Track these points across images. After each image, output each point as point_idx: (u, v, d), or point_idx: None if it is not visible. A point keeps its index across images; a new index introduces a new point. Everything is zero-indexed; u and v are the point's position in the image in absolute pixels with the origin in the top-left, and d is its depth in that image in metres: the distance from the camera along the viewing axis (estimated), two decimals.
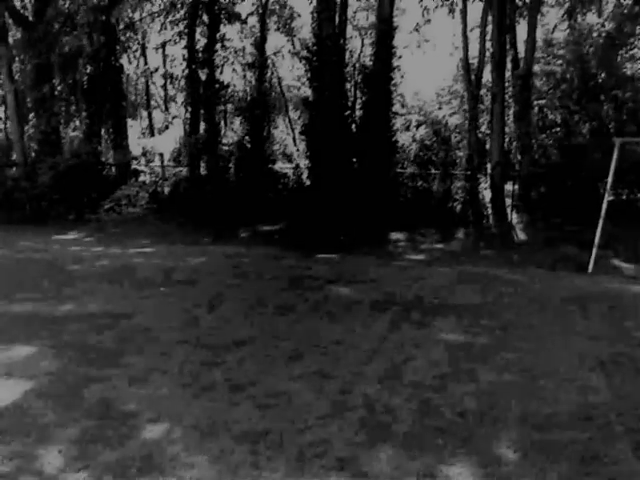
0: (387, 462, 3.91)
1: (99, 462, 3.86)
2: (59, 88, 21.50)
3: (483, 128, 22.62)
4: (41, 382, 5.15)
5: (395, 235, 15.13)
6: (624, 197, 16.52)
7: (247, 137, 18.98)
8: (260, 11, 22.93)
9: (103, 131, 21.77)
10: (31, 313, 7.26)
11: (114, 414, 4.54)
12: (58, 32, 20.16)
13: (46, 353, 5.85)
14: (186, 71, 20.41)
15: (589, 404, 4.83)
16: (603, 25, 21.29)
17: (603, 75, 20.24)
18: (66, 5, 20.61)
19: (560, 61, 22.30)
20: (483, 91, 21.46)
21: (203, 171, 19.79)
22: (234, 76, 22.79)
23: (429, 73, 50.17)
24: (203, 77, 19.84)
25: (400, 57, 17.08)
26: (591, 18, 23.33)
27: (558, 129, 22.09)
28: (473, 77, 19.09)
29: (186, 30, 20.68)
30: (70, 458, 3.91)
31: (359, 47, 26.09)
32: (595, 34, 21.28)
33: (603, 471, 3.84)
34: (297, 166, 18.69)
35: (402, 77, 17.58)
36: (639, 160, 15.35)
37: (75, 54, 20.29)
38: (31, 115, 21.13)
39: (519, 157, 18.95)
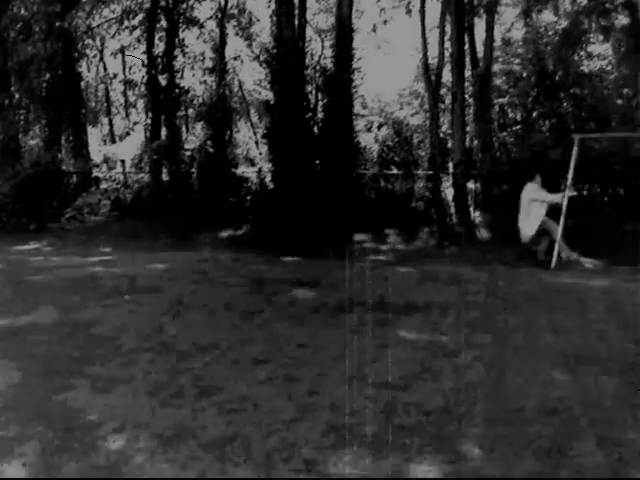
0: (355, 463, 3.90)
1: (64, 474, 3.80)
2: (17, 96, 21.22)
3: (444, 127, 22.77)
4: (3, 395, 5.05)
5: (359, 236, 15.16)
6: (585, 192, 16.72)
7: (209, 142, 18.85)
8: (219, 16, 22.85)
9: (63, 139, 21.55)
10: None
11: (79, 425, 4.47)
12: (14, 40, 19.92)
13: (7, 365, 5.74)
14: (146, 77, 20.29)
15: (554, 398, 4.87)
16: (558, 22, 21.54)
17: (560, 73, 20.48)
18: (22, 12, 20.37)
19: (518, 60, 22.54)
20: (443, 91, 21.56)
21: (165, 177, 19.66)
22: (194, 81, 22.66)
23: (390, 74, 50.48)
24: (163, 82, 19.74)
25: (360, 59, 17.11)
26: (547, 16, 23.64)
27: (518, 127, 22.30)
28: (433, 77, 19.13)
29: (145, 35, 20.59)
30: (35, 471, 3.84)
31: (319, 49, 26.01)
32: (551, 32, 21.52)
33: (569, 464, 3.87)
34: (260, 169, 18.62)
35: (362, 78, 17.57)
36: (598, 156, 15.54)
37: (32, 61, 20.06)
38: None
39: (480, 155, 19.09)
